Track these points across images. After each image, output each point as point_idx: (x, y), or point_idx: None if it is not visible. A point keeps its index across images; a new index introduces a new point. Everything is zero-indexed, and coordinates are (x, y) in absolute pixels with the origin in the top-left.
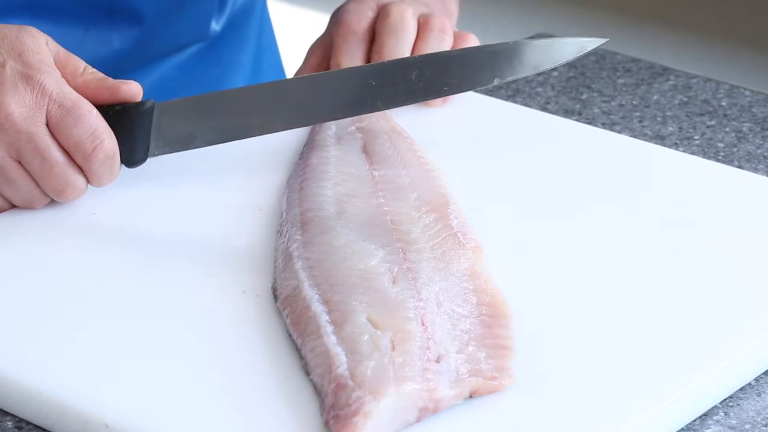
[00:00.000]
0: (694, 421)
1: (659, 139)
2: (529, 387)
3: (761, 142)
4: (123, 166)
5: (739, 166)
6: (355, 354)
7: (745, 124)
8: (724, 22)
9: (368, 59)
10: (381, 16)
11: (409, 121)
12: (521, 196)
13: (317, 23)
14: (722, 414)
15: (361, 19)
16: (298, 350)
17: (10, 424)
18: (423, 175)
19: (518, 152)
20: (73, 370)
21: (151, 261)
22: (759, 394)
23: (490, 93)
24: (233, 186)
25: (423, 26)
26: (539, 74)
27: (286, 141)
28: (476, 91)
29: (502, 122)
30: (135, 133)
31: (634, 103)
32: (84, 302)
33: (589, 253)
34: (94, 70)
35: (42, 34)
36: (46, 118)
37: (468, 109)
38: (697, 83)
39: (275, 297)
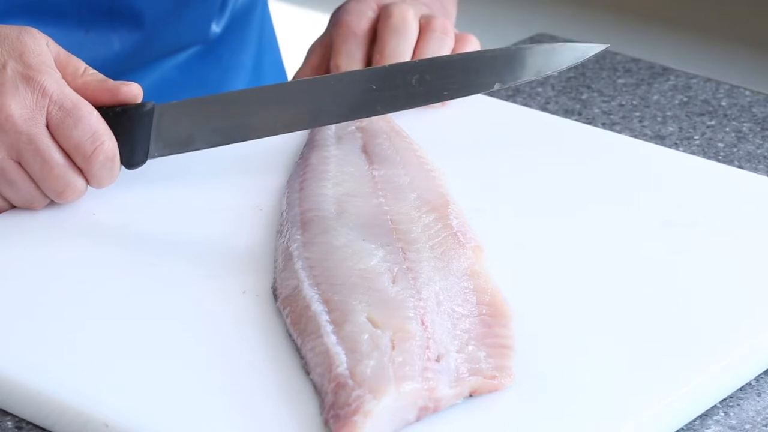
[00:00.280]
0: (694, 420)
1: (659, 139)
2: (529, 386)
3: (761, 142)
4: (123, 167)
5: (739, 166)
6: (355, 353)
7: (745, 124)
8: (724, 22)
9: (368, 60)
10: (383, 16)
11: (408, 121)
12: (521, 196)
13: (318, 23)
14: (722, 414)
15: (360, 20)
16: (298, 350)
17: (10, 424)
18: (423, 175)
19: (518, 152)
20: (73, 370)
21: (151, 261)
22: (759, 394)
23: (490, 93)
24: (233, 186)
25: (425, 27)
26: None
27: (286, 141)
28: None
29: (502, 122)
30: (135, 134)
31: (634, 103)
32: (84, 302)
33: (589, 253)
34: (95, 71)
35: (43, 35)
36: (47, 119)
37: (468, 110)
38: (697, 83)
39: (275, 297)
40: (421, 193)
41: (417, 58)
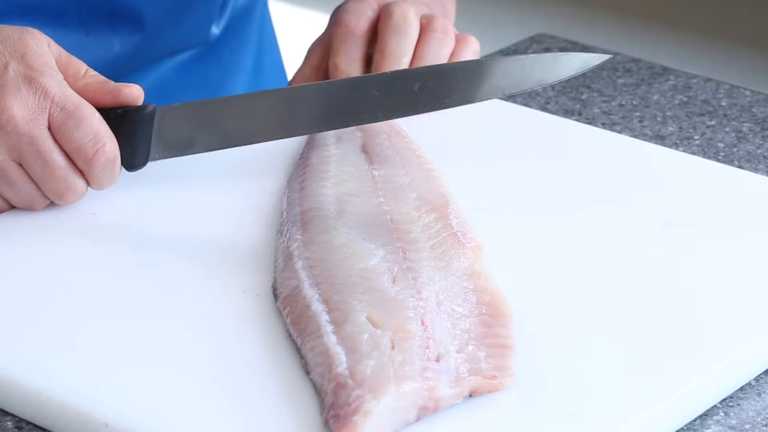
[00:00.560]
0: (694, 420)
1: (659, 139)
2: (529, 386)
3: (761, 142)
4: (123, 169)
5: (739, 166)
6: (354, 353)
7: (745, 124)
8: (724, 22)
9: (367, 59)
10: (383, 15)
11: (408, 121)
12: (521, 196)
13: (318, 23)
14: (722, 414)
15: (360, 19)
16: (298, 350)
17: (10, 424)
18: (423, 175)
19: (518, 152)
20: (73, 370)
21: (151, 261)
22: (759, 394)
23: None
24: (233, 186)
25: (426, 27)
26: None
27: (286, 141)
28: None
29: (502, 122)
30: (136, 136)
31: (634, 103)
32: (84, 302)
33: (589, 253)
34: (95, 72)
35: (44, 36)
36: (48, 121)
37: (468, 109)
38: (697, 83)
39: (275, 296)
40: (421, 192)
41: (418, 58)
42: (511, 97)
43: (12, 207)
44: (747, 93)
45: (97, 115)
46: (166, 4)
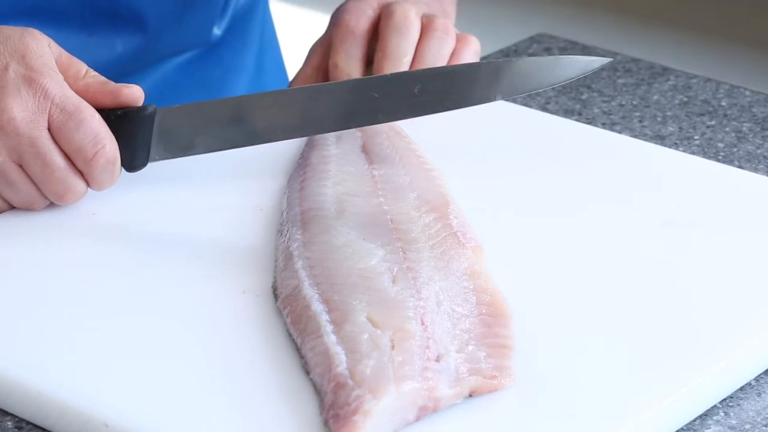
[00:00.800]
0: (694, 420)
1: (659, 139)
2: (529, 386)
3: (761, 142)
4: (123, 170)
5: (739, 166)
6: (354, 353)
7: (745, 124)
8: (724, 22)
9: (367, 59)
10: (384, 15)
11: (408, 120)
12: (521, 196)
13: (319, 23)
14: (722, 414)
15: (360, 19)
16: (298, 349)
17: (10, 424)
18: (423, 175)
19: (518, 152)
20: (73, 370)
21: (151, 261)
22: (759, 394)
23: None
24: (233, 186)
25: (426, 26)
26: None
27: (286, 141)
28: None
29: (502, 122)
30: (136, 138)
31: (634, 103)
32: (84, 302)
33: (589, 253)
34: (96, 73)
35: (45, 36)
36: (48, 122)
37: (467, 109)
38: (697, 83)
39: (275, 296)
40: (421, 192)
41: (418, 58)
42: (510, 98)
43: (12, 207)
44: (747, 93)
45: (97, 116)
46: (168, 5)
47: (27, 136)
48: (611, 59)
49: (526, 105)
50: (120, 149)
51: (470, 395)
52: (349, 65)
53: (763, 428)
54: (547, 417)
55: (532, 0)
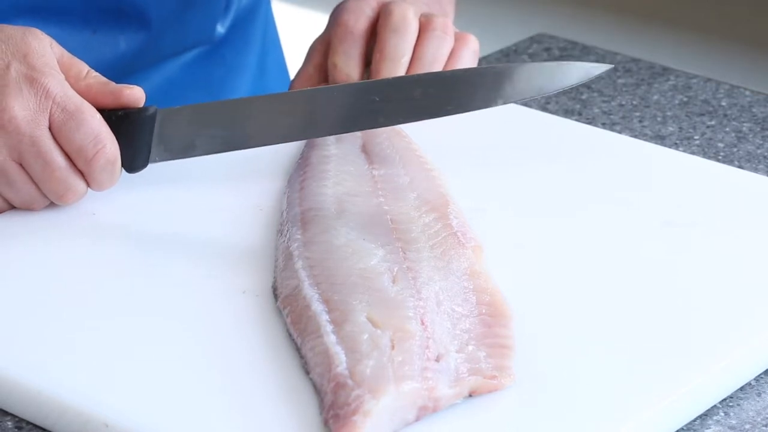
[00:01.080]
0: (694, 420)
1: (659, 139)
2: (529, 387)
3: (761, 142)
4: (123, 170)
5: (739, 166)
6: (354, 353)
7: (745, 124)
8: (724, 22)
9: (366, 59)
10: (382, 15)
11: None
12: (521, 196)
13: (320, 23)
14: (722, 414)
15: (359, 19)
16: (298, 349)
17: (10, 424)
18: (423, 175)
19: (518, 152)
20: (73, 370)
21: (151, 261)
22: (759, 394)
23: None
24: (233, 186)
25: (425, 26)
26: None
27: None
28: None
29: (502, 122)
30: (137, 138)
31: (634, 103)
32: (84, 302)
33: (589, 253)
34: (97, 74)
35: (47, 36)
36: (49, 121)
37: None
38: (697, 83)
39: (275, 296)
40: (421, 192)
41: (417, 57)
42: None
43: (12, 207)
44: (747, 93)
45: (98, 116)
46: (171, 2)
47: (28, 135)
48: (612, 66)
49: (526, 105)
50: (120, 150)
51: (470, 395)
52: (348, 65)
53: (763, 428)
54: (547, 417)
55: (532, 0)
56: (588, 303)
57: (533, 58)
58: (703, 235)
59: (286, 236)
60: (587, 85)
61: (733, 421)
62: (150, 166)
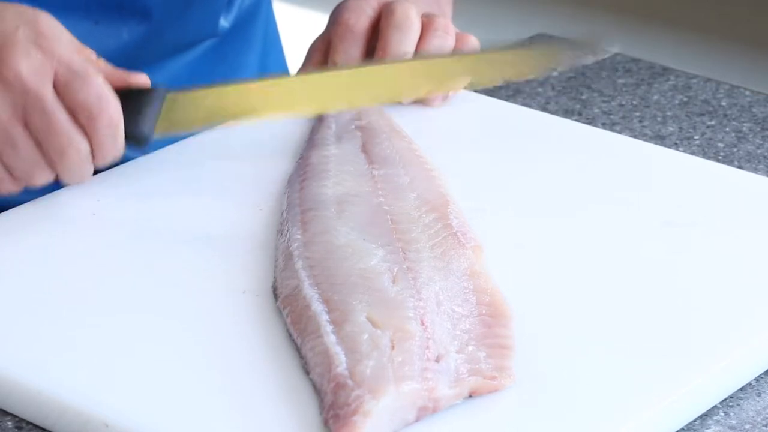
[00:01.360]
0: (694, 421)
1: (659, 139)
2: (529, 387)
3: (761, 142)
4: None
5: (739, 166)
6: (354, 353)
7: (745, 124)
8: (724, 22)
9: (366, 57)
10: (385, 13)
11: (408, 121)
12: (521, 196)
13: (321, 23)
14: (722, 414)
15: (360, 18)
16: (297, 349)
17: (10, 424)
18: (423, 175)
19: (518, 152)
20: (73, 370)
21: (151, 261)
22: (759, 394)
23: (490, 93)
24: (233, 186)
25: (427, 25)
26: None
27: (286, 141)
28: (476, 91)
29: (502, 122)
30: (142, 111)
31: (634, 103)
32: (84, 302)
33: (589, 253)
34: (106, 61)
35: (57, 21)
36: (54, 80)
37: (468, 109)
38: (697, 83)
39: (275, 296)
40: (421, 192)
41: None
42: (510, 97)
43: (12, 183)
44: (747, 93)
45: (103, 78)
46: None
47: (33, 91)
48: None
49: (526, 105)
50: (125, 124)
51: (470, 396)
52: (349, 64)
53: (763, 428)
54: (547, 417)
55: (532, 0)
56: (588, 303)
57: None
58: (703, 235)
59: (286, 236)
60: (587, 85)
61: (733, 421)
62: (149, 163)
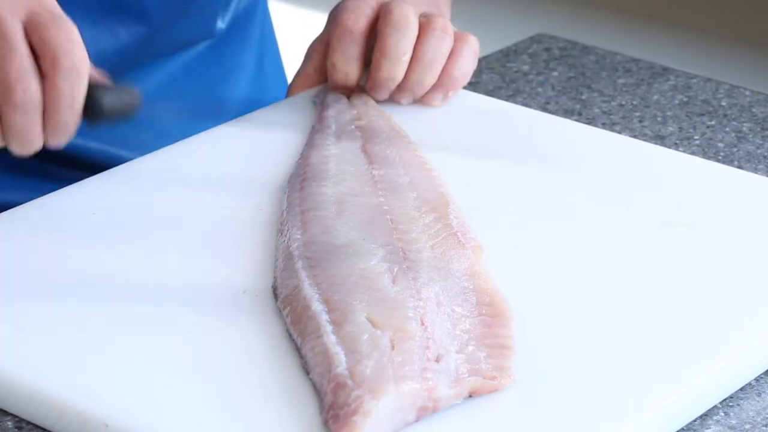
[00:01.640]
0: (694, 421)
1: (659, 139)
2: (529, 387)
3: (761, 142)
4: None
5: (739, 166)
6: (354, 353)
7: (745, 124)
8: (724, 22)
9: (365, 58)
10: (382, 14)
11: (408, 120)
12: (521, 196)
13: (318, 23)
14: (722, 414)
15: (358, 18)
16: (297, 349)
17: (10, 424)
18: (423, 175)
19: (518, 152)
20: (73, 370)
21: (150, 260)
22: (759, 394)
23: (490, 93)
24: (233, 186)
25: (425, 25)
26: (539, 74)
27: (286, 141)
28: (476, 92)
29: (502, 122)
30: (111, 89)
31: (634, 103)
32: (83, 302)
33: (589, 253)
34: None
35: None
36: (28, 19)
37: (468, 109)
38: (697, 83)
39: (275, 296)
40: (421, 192)
41: (417, 57)
42: (510, 97)
43: None
44: (747, 93)
45: (79, 34)
46: None
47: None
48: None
49: (526, 105)
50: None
51: (470, 396)
52: (347, 65)
53: (763, 428)
54: (547, 417)
55: (532, 0)
56: (588, 303)
57: (533, 58)
58: (703, 235)
59: (286, 236)
60: (587, 85)
61: (733, 421)
62: (148, 163)
